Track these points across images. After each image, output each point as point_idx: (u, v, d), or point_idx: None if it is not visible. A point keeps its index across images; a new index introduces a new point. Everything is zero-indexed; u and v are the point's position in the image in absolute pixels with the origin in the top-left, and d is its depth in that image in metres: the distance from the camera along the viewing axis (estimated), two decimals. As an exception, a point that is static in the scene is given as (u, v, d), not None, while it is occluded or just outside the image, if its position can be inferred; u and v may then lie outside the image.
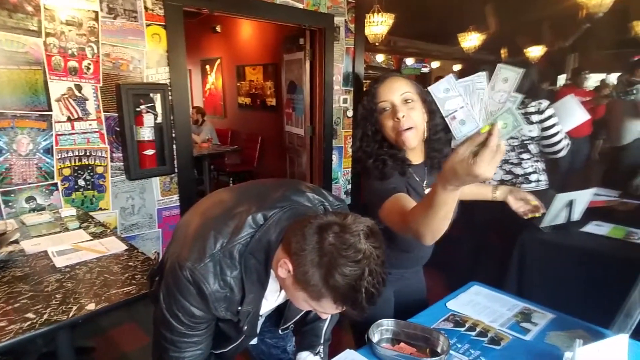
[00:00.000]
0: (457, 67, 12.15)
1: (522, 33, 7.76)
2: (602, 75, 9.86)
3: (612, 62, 10.51)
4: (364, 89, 3.96)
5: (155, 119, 2.29)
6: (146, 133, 2.25)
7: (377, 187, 1.08)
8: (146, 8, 2.23)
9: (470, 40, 6.77)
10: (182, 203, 2.54)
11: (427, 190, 1.17)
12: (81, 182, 2.16)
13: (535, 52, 7.90)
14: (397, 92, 1.08)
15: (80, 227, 1.74)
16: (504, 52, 8.59)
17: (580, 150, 4.18)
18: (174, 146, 2.44)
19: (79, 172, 2.15)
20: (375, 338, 1.03)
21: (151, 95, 2.29)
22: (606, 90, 4.96)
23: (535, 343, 1.08)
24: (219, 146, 5.13)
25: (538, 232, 1.92)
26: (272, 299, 0.91)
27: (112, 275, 1.29)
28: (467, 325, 1.15)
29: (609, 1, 3.70)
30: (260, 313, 0.89)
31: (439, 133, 1.13)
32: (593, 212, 2.07)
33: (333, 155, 3.60)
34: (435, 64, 11.57)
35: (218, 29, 5.46)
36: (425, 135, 1.13)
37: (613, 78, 7.80)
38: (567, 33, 7.73)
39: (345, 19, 3.41)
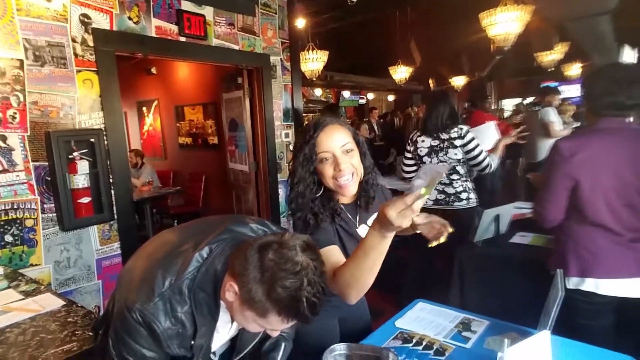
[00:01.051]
0: (391, 97, 12.94)
1: (445, 65, 8.50)
2: (516, 100, 10.97)
3: (524, 87, 11.79)
4: (305, 123, 4.11)
5: (91, 165, 2.21)
6: (80, 180, 2.16)
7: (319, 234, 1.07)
8: (76, 55, 2.19)
9: (400, 72, 7.29)
10: (123, 251, 2.42)
11: (359, 228, 1.20)
12: (8, 238, 2.00)
13: (458, 81, 8.65)
14: (338, 143, 1.07)
15: (9, 287, 1.61)
16: (432, 82, 9.33)
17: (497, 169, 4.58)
18: (112, 192, 2.36)
19: (6, 227, 2.00)
20: (329, 364, 1.06)
21: (86, 140, 2.22)
22: (517, 117, 5.55)
23: (475, 350, 1.17)
24: (161, 188, 4.97)
25: (473, 247, 2.09)
26: (223, 331, 0.92)
27: (49, 335, 1.21)
28: (414, 340, 1.21)
29: (512, 36, 4.21)
30: (213, 349, 0.89)
31: (369, 174, 1.16)
32: (518, 224, 2.31)
33: (279, 189, 3.65)
34: (370, 95, 12.24)
35: (153, 70, 5.42)
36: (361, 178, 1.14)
37: (526, 101, 8.75)
38: (484, 64, 8.58)
39: (281, 58, 3.56)
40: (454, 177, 2.54)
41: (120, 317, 0.79)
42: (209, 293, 0.82)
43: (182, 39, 2.77)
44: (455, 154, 2.49)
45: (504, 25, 4.10)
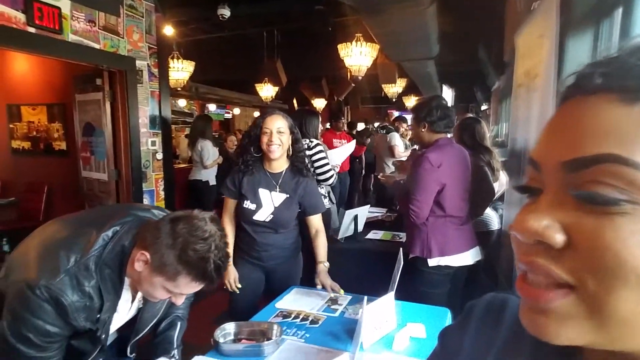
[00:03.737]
0: (257, 113, 13.22)
1: (307, 87, 9.22)
2: (365, 123, 12.47)
3: (373, 113, 13.52)
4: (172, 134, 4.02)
5: None
6: None
7: (226, 181, 1.74)
8: None
9: (267, 90, 7.63)
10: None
11: (275, 191, 1.71)
12: None
13: (319, 103, 9.46)
14: (275, 125, 1.64)
15: None
16: (295, 102, 9.96)
17: (344, 180, 5.22)
18: None
19: None
20: (221, 340, 1.15)
21: None
22: (367, 140, 6.41)
23: (340, 317, 1.44)
24: (-15, 200, 4.14)
25: (337, 242, 2.45)
26: (123, 311, 0.94)
27: None
28: (292, 315, 1.40)
29: (364, 68, 4.92)
30: (111, 330, 0.91)
31: (300, 152, 1.75)
32: (372, 225, 2.80)
33: (144, 199, 3.46)
34: (237, 110, 12.32)
35: (-24, 60, 4.53)
36: (290, 153, 1.73)
37: (374, 125, 10.07)
38: (341, 90, 9.59)
39: (148, 63, 3.43)
40: None
41: (19, 297, 0.77)
42: (114, 269, 0.85)
43: (31, 29, 2.48)
44: None
45: (357, 57, 4.78)
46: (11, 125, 4.64)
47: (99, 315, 0.85)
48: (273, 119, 1.65)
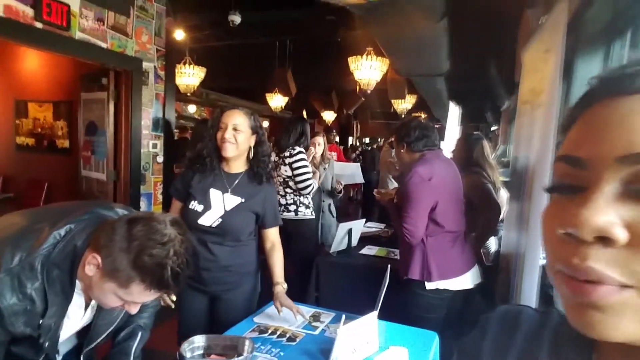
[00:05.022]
0: (266, 123, 13.29)
1: (317, 99, 9.22)
2: (369, 141, 12.43)
3: (383, 129, 13.50)
4: (175, 138, 4.00)
5: None
6: None
7: (176, 180, 1.63)
8: None
9: (277, 100, 7.63)
10: None
11: (227, 193, 1.54)
12: None
13: (328, 115, 9.45)
14: (231, 121, 1.50)
15: None
16: (305, 113, 9.96)
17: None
18: None
19: None
20: (187, 355, 1.08)
21: None
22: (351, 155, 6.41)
23: (320, 336, 1.35)
24: (-16, 194, 4.14)
25: (329, 256, 2.37)
26: (75, 317, 0.87)
27: None
28: (269, 331, 1.32)
29: (374, 82, 4.89)
30: (63, 338, 0.84)
31: (264, 157, 1.59)
32: (367, 239, 2.72)
33: (141, 202, 3.42)
34: (246, 119, 12.36)
35: (-12, 55, 4.60)
36: (252, 155, 1.58)
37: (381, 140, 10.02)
38: (351, 103, 9.58)
39: (154, 65, 3.43)
40: (287, 190, 2.82)
41: None
42: (64, 270, 0.79)
43: (39, 25, 2.48)
44: (286, 171, 2.79)
45: (367, 71, 4.75)
46: (17, 121, 4.68)
47: (41, 321, 0.78)
48: (231, 114, 1.51)
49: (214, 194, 1.51)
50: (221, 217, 1.49)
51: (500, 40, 3.92)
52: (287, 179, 2.79)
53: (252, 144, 1.56)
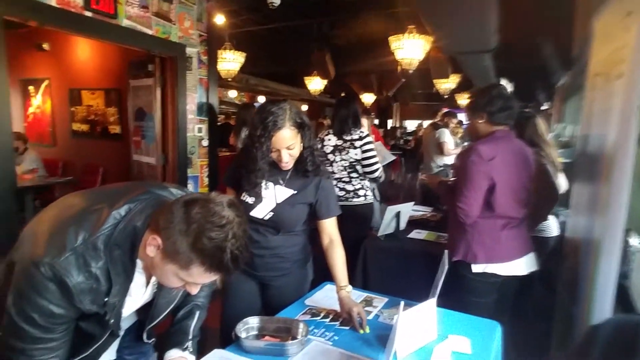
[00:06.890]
0: (304, 107, 13.28)
1: (356, 81, 9.05)
2: (417, 121, 12.10)
3: (423, 111, 13.07)
4: (218, 121, 4.05)
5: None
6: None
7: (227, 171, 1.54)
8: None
9: (315, 83, 7.56)
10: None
11: (280, 185, 1.47)
12: None
13: (367, 98, 9.26)
14: (284, 144, 1.37)
15: None
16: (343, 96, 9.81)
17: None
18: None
19: None
20: (243, 335, 1.08)
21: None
22: (420, 132, 6.20)
23: (373, 321, 1.32)
24: (47, 177, 4.42)
25: (376, 240, 2.30)
26: (136, 295, 0.89)
27: None
28: (322, 314, 1.30)
29: (416, 62, 4.69)
30: (125, 314, 0.86)
31: (307, 157, 1.45)
32: (415, 223, 2.63)
33: (189, 185, 3.51)
34: (285, 104, 12.39)
35: (45, 46, 4.83)
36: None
37: (425, 123, 9.73)
38: (390, 85, 9.33)
39: (197, 51, 3.46)
40: (353, 175, 2.72)
41: (24, 273, 0.74)
42: (125, 250, 0.79)
43: (88, 13, 2.55)
44: (356, 154, 2.68)
45: (409, 50, 4.55)
46: (73, 109, 4.93)
47: (106, 299, 0.79)
48: (280, 138, 1.35)
49: (265, 185, 1.45)
50: (272, 210, 1.44)
51: (556, 8, 3.61)
52: (354, 163, 2.69)
53: (301, 148, 1.44)
